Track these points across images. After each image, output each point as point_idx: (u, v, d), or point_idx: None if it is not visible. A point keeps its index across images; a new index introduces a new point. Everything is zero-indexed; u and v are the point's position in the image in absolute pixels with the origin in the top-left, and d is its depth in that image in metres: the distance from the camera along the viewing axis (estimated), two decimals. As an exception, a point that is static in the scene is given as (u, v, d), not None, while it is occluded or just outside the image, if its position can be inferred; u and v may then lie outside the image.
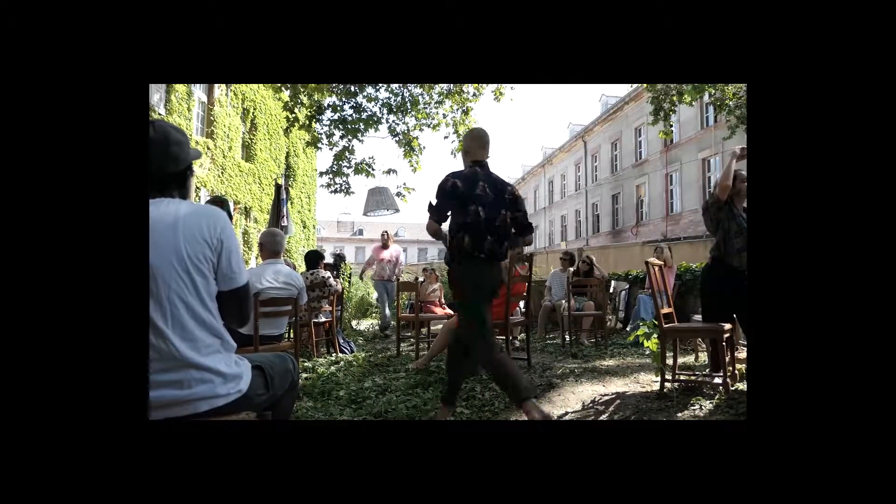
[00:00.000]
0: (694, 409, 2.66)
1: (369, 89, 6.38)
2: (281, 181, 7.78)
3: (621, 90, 27.70)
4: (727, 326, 2.93)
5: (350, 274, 8.70)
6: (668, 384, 3.08)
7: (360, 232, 47.34)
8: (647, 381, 3.47)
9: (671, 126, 6.58)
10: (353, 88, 6.22)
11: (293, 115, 6.27)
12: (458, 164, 5.87)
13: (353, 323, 8.52)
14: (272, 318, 3.18)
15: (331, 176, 6.60)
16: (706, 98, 7.38)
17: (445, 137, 6.83)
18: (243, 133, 13.09)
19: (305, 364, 4.24)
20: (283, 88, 7.02)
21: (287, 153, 15.17)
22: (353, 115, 6.37)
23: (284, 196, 7.31)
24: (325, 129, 6.50)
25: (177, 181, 1.28)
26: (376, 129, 6.47)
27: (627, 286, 6.84)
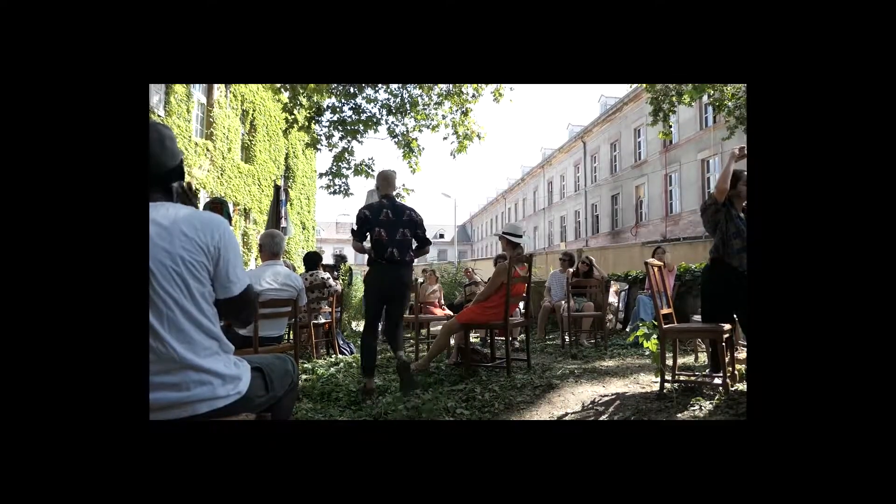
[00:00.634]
0: (694, 410, 2.66)
1: (368, 90, 6.39)
2: (280, 182, 7.80)
3: (621, 91, 27.80)
4: (727, 327, 2.93)
5: (350, 274, 8.70)
6: (667, 385, 3.08)
7: (360, 233, 47.03)
8: (647, 382, 3.47)
9: (670, 127, 6.58)
10: (352, 89, 6.23)
11: (292, 117, 6.27)
12: (458, 164, 5.87)
13: (353, 324, 8.51)
14: (271, 319, 3.17)
15: (330, 177, 6.60)
16: (705, 99, 7.40)
17: (444, 138, 6.82)
18: (242, 134, 13.10)
19: (305, 365, 4.23)
20: (282, 90, 7.02)
21: (286, 154, 15.17)
22: (353, 116, 6.39)
23: (284, 197, 7.32)
24: (325, 130, 6.51)
25: (176, 175, 1.28)
26: (375, 131, 6.48)
27: (627, 287, 6.85)
